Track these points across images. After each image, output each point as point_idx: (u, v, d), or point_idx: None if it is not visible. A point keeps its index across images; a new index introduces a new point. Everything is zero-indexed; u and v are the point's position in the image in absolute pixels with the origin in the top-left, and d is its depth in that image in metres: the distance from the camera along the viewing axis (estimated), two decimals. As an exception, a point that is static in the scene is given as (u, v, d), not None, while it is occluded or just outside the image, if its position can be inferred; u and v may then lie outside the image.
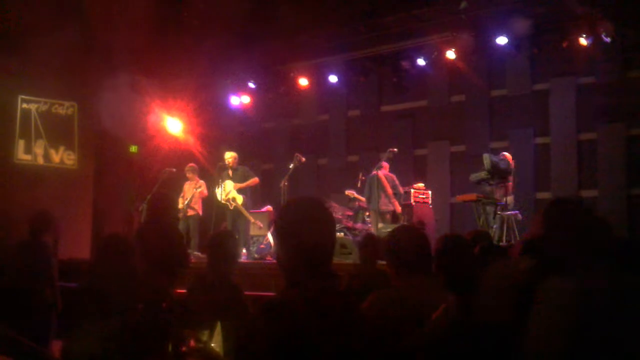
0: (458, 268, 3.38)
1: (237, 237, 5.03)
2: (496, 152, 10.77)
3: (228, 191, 10.55)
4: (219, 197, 10.58)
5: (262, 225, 10.92)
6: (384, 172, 10.73)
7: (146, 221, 6.85)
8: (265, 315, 2.32)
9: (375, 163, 10.98)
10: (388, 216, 10.65)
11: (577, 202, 2.82)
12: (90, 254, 9.89)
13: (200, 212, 11.20)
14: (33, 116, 11.56)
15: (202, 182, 11.25)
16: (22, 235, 5.75)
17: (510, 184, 10.01)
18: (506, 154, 10.28)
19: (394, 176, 10.84)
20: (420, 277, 3.25)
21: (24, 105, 11.49)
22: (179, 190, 11.26)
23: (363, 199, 11.09)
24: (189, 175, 11.25)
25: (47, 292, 5.26)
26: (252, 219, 10.65)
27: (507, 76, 11.96)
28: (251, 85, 13.40)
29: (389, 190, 10.62)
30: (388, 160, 10.90)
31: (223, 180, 10.64)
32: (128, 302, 3.88)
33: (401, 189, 10.87)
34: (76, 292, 4.36)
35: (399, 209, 10.69)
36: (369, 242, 5.34)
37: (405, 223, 10.12)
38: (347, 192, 11.52)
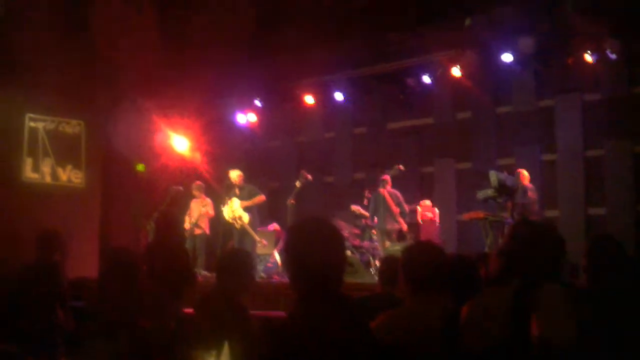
0: (464, 289, 3.35)
1: (250, 254, 4.98)
2: (504, 169, 10.74)
3: (234, 209, 10.55)
4: (225, 216, 10.58)
5: (266, 243, 10.91)
6: (388, 189, 10.70)
7: (154, 239, 6.85)
8: (272, 338, 2.32)
9: (381, 181, 10.97)
10: (394, 235, 10.60)
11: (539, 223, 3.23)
12: (98, 273, 9.86)
13: (208, 231, 11.21)
14: (40, 135, 11.60)
15: (208, 200, 11.26)
16: (30, 254, 5.75)
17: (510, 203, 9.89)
18: (522, 171, 10.21)
19: (398, 193, 10.81)
20: (434, 296, 3.20)
21: (32, 124, 11.54)
22: (186, 208, 11.28)
23: (367, 214, 11.08)
24: (195, 193, 11.28)
25: (59, 312, 5.25)
26: (257, 238, 10.64)
27: (513, 93, 11.94)
28: (257, 103, 13.45)
29: (394, 209, 10.59)
30: (394, 178, 10.88)
31: (230, 199, 10.65)
32: (135, 321, 3.87)
33: (406, 207, 10.83)
34: (83, 311, 4.36)
35: (405, 227, 10.65)
36: (390, 263, 5.15)
37: (412, 241, 10.07)
38: (353, 207, 11.49)
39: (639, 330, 3.33)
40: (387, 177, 10.77)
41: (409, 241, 10.16)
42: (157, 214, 7.08)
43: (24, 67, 10.61)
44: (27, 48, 10.60)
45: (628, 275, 3.64)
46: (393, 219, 10.57)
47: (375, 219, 10.73)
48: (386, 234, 10.52)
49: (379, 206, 10.54)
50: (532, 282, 2.80)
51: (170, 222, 5.65)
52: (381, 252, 10.30)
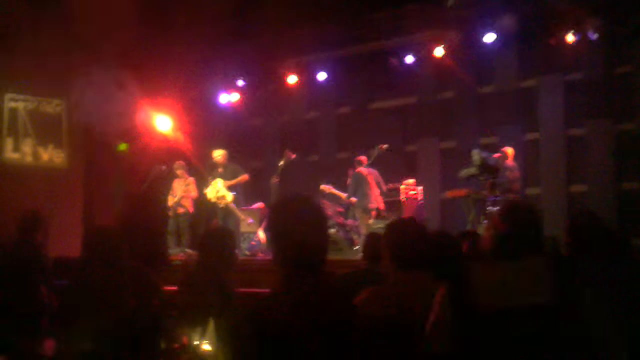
0: (445, 265, 3.38)
1: (233, 232, 4.98)
2: (486, 148, 10.80)
3: (218, 189, 10.56)
4: (209, 196, 10.60)
5: (252, 221, 10.94)
6: (367, 168, 10.70)
7: (125, 217, 6.85)
8: (256, 314, 2.34)
9: (357, 161, 10.98)
10: (373, 213, 10.64)
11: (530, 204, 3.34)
12: (81, 251, 9.87)
13: (191, 210, 11.20)
14: (21, 114, 11.49)
15: (191, 179, 11.25)
16: (11, 235, 5.72)
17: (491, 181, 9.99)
18: (506, 149, 10.28)
19: (377, 172, 10.85)
20: (417, 273, 3.24)
21: (12, 104, 11.41)
22: (169, 188, 11.26)
23: (339, 193, 11.09)
24: (178, 172, 11.26)
25: (42, 291, 5.24)
26: (242, 216, 10.68)
27: (495, 73, 12.00)
28: (240, 82, 13.38)
29: (375, 188, 10.63)
30: (378, 157, 10.91)
31: (213, 178, 10.65)
32: (119, 300, 3.88)
33: (384, 186, 10.90)
34: (67, 289, 4.36)
35: (382, 205, 10.72)
36: (374, 240, 5.17)
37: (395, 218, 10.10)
38: (322, 187, 11.44)
39: (620, 301, 3.38)
40: (363, 158, 10.77)
41: (392, 218, 10.22)
42: (128, 194, 7.07)
43: (2, 47, 10.47)
44: (5, 27, 10.46)
45: (609, 249, 3.69)
46: (374, 198, 10.60)
47: (353, 198, 10.70)
48: (367, 212, 10.54)
49: (359, 185, 10.54)
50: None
51: (140, 202, 5.63)
52: (362, 230, 10.35)
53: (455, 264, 3.53)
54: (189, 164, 11.55)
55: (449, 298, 2.95)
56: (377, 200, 10.61)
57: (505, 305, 2.82)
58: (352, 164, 10.98)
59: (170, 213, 10.98)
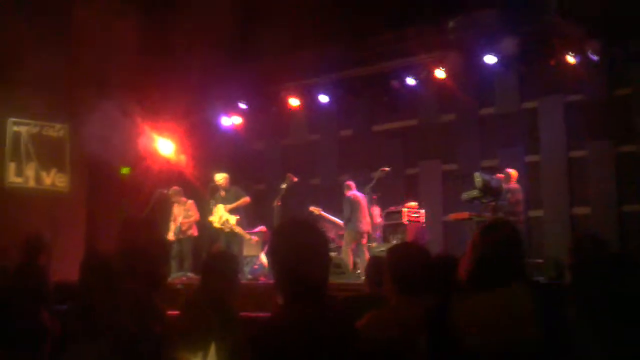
0: (449, 289, 3.36)
1: (236, 256, 4.97)
2: (488, 170, 10.79)
3: (221, 215, 10.57)
4: (215, 224, 10.61)
5: (257, 239, 10.95)
6: (356, 192, 10.71)
7: (125, 241, 6.85)
8: (258, 339, 2.33)
9: (367, 182, 11.00)
10: (365, 235, 10.63)
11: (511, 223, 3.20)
12: (80, 275, 9.79)
13: (195, 234, 11.19)
14: (24, 139, 11.53)
15: (190, 202, 11.23)
16: (14, 258, 5.71)
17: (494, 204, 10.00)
18: (509, 171, 10.27)
19: (366, 197, 10.87)
20: (419, 296, 3.22)
21: (15, 128, 11.46)
22: (170, 213, 11.25)
23: (330, 217, 11.07)
24: (175, 198, 11.22)
25: (44, 316, 5.22)
26: (247, 236, 10.71)
27: (496, 95, 12.02)
28: (242, 106, 13.43)
29: (366, 211, 10.65)
30: (379, 180, 10.92)
31: (215, 204, 10.65)
32: (120, 325, 3.86)
33: (372, 209, 10.92)
34: (66, 314, 4.34)
35: (370, 230, 10.76)
36: (377, 264, 5.13)
37: (398, 242, 10.11)
38: (312, 208, 11.44)
39: (621, 328, 3.35)
40: (351, 182, 10.78)
41: (394, 241, 10.23)
42: (123, 220, 7.06)
43: (6, 71, 10.54)
44: (10, 52, 10.54)
45: (611, 272, 3.66)
46: (368, 221, 10.61)
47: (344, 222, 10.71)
48: (360, 235, 10.50)
49: (355, 209, 10.51)
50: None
51: (136, 227, 5.63)
52: (344, 254, 10.30)
53: (457, 288, 3.51)
54: (191, 187, 11.55)
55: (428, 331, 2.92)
56: (368, 224, 10.61)
57: (487, 341, 2.75)
58: (342, 188, 10.97)
59: (174, 237, 10.96)
